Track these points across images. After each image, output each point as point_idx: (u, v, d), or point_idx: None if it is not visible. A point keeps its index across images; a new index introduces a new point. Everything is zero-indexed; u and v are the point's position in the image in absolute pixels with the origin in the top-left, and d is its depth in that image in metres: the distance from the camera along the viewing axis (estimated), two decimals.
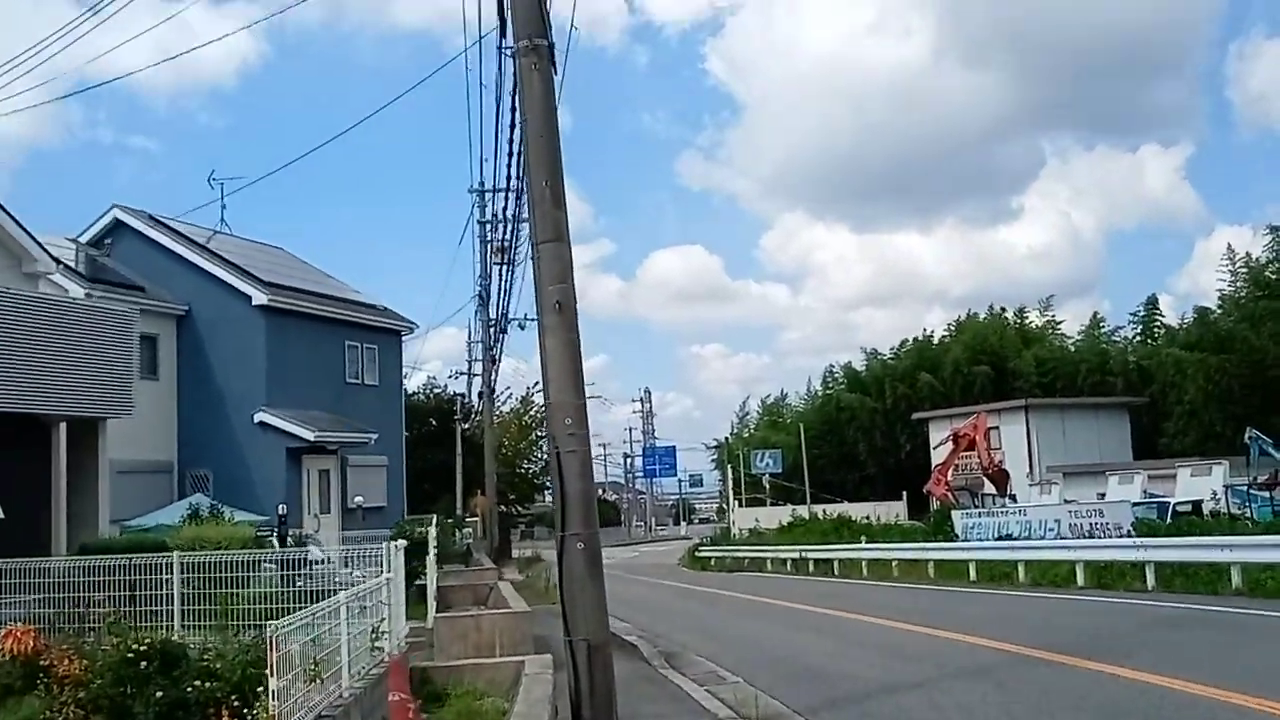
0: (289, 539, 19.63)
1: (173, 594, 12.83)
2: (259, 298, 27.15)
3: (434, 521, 33.01)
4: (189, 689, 8.45)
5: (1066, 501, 36.25)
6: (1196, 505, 29.68)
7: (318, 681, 6.85)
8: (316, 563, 20.62)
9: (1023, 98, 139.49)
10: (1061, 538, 29.53)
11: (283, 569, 14.67)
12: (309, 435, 26.39)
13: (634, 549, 75.33)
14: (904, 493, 58.67)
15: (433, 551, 16.43)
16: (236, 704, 7.74)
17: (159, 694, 8.57)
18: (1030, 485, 40.88)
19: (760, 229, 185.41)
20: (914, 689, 10.87)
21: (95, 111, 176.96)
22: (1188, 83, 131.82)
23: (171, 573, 13.01)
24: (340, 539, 25.11)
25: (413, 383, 54.22)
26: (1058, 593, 19.85)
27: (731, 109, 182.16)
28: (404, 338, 32.72)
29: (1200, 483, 31.34)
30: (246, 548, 15.78)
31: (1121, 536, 27.12)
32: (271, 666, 5.89)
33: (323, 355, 29.03)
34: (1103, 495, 38.30)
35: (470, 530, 41.09)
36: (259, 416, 26.75)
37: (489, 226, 37.65)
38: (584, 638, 9.09)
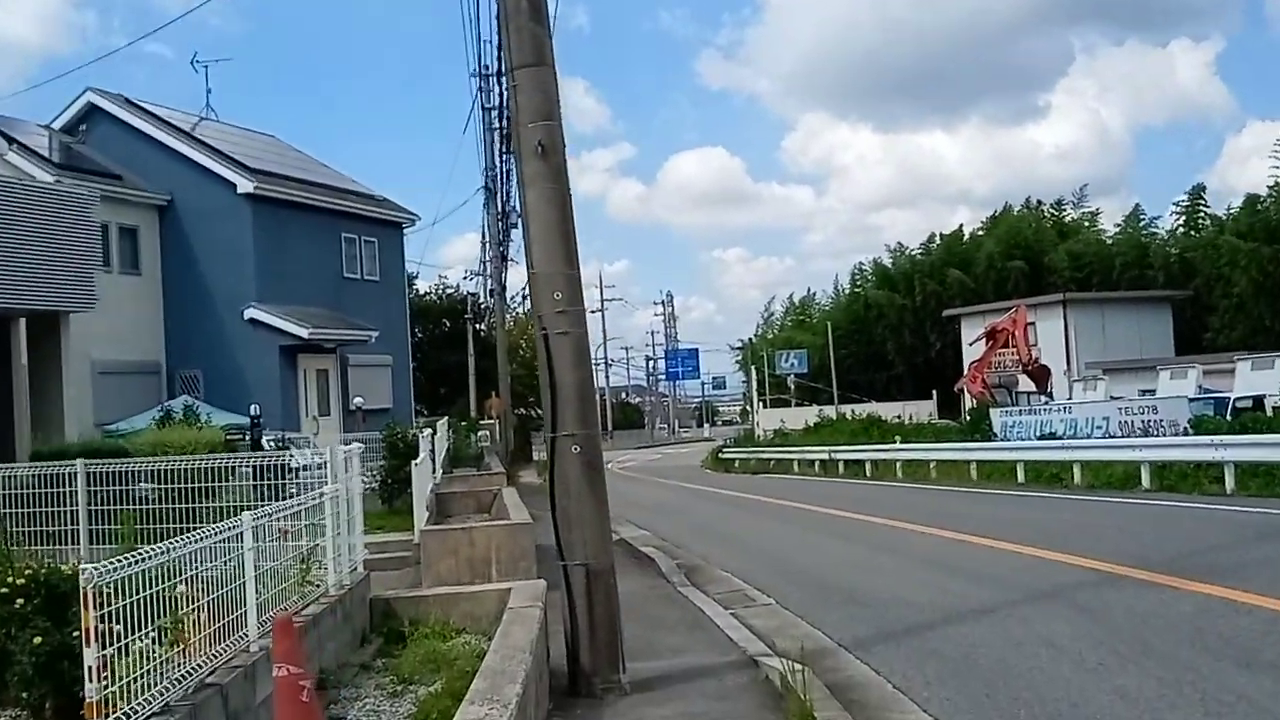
0: (272, 443, 17.89)
1: (78, 510, 11.06)
2: (245, 185, 25.09)
3: (444, 423, 31.39)
4: (76, 634, 6.45)
5: (1113, 398, 34.27)
6: (1258, 401, 27.57)
7: (187, 643, 5.00)
8: (304, 468, 18.98)
9: None
10: (1111, 436, 27.63)
11: (259, 477, 12.90)
12: (303, 332, 24.58)
13: (657, 451, 74.09)
14: (934, 392, 56.87)
15: (426, 455, 14.68)
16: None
17: (37, 640, 6.62)
18: (1073, 382, 38.85)
19: (782, 130, 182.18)
20: (982, 617, 9.04)
21: (109, 18, 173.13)
22: None
23: (76, 484, 11.22)
24: (341, 442, 23.49)
25: (424, 283, 52.41)
26: (1122, 497, 17.95)
27: (752, 6, 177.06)
28: (406, 230, 30.68)
29: (1262, 377, 29.21)
30: (215, 453, 14.06)
31: (1180, 434, 25.22)
32: (86, 631, 4.05)
33: (318, 248, 27.07)
34: (1150, 391, 36.34)
35: (486, 433, 39.60)
36: (249, 313, 24.93)
37: (494, 113, 35.37)
38: (581, 562, 7.29)
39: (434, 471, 18.42)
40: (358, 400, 23.67)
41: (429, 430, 17.45)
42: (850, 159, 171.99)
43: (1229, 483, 16.71)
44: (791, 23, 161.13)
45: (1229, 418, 27.06)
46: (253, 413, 18.52)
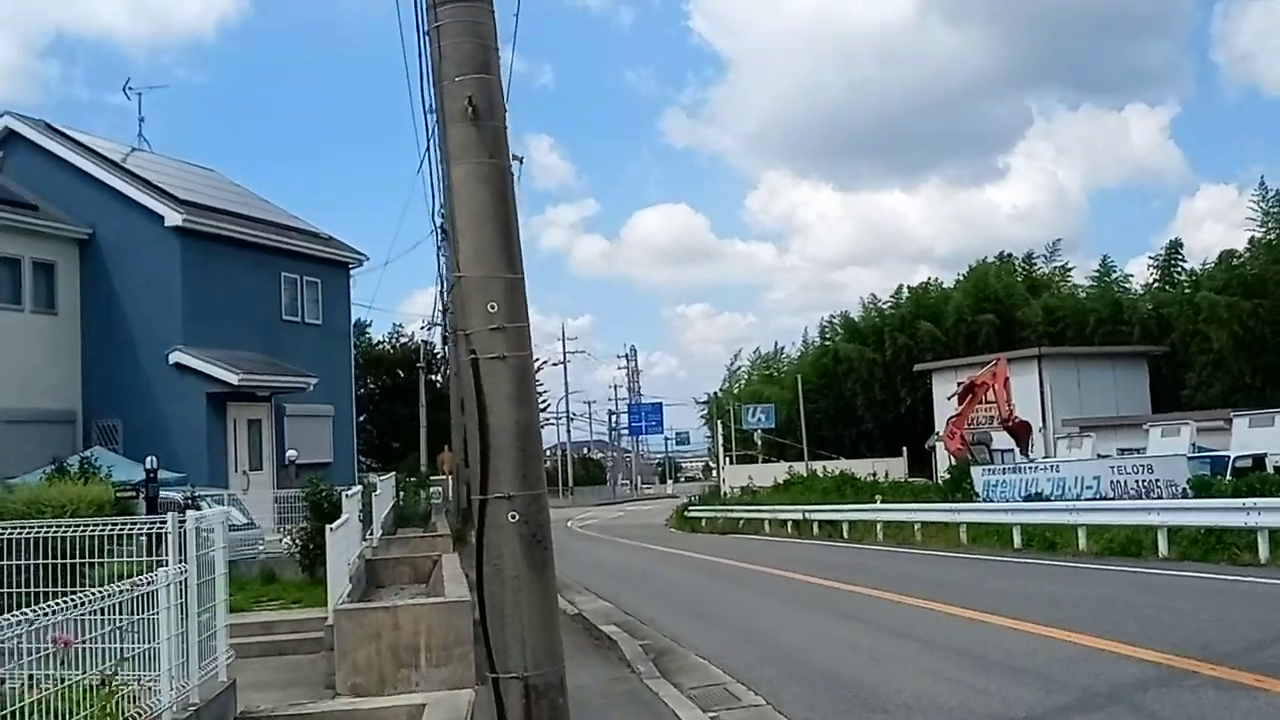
0: (185, 501, 15.68)
1: None
2: (173, 218, 23.01)
3: (390, 479, 29.09)
4: None
5: (1101, 456, 32.61)
6: (1258, 460, 25.93)
7: None
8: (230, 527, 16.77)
9: (1008, 56, 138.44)
10: (1103, 497, 25.92)
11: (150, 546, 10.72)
12: (232, 378, 22.41)
13: (619, 508, 71.72)
14: (904, 449, 55.21)
15: (353, 517, 12.59)
16: None
17: None
18: (1057, 439, 37.19)
19: (745, 187, 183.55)
20: None
21: (71, 69, 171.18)
22: (1174, 42, 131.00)
23: None
24: (274, 499, 21.33)
25: (378, 332, 50.33)
26: (1138, 565, 16.06)
27: (715, 66, 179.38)
28: (354, 271, 28.59)
29: (1261, 435, 27.59)
30: (102, 513, 11.93)
31: (1178, 495, 23.49)
32: None
33: (253, 288, 24.97)
34: (1133, 450, 34.74)
35: (439, 490, 37.34)
36: (174, 357, 22.76)
37: None
38: (519, 675, 5.25)
39: (368, 534, 16.27)
40: (291, 453, 21.44)
41: (358, 488, 15.33)
42: (812, 217, 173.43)
43: (1262, 550, 14.87)
44: (755, 82, 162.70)
45: (1229, 478, 25.43)
46: (148, 465, 16.27)
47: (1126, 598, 12.68)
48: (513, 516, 5.24)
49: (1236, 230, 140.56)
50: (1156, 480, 25.50)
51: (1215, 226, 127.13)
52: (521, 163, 34.79)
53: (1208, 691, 7.72)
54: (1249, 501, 15.59)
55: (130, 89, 29.01)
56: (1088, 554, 18.13)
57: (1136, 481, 26.11)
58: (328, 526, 10.63)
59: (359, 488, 15.31)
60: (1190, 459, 26.13)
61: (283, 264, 25.81)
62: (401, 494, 31.68)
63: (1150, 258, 58.85)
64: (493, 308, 5.29)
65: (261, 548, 18.31)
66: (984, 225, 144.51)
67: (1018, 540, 20.34)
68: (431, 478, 40.14)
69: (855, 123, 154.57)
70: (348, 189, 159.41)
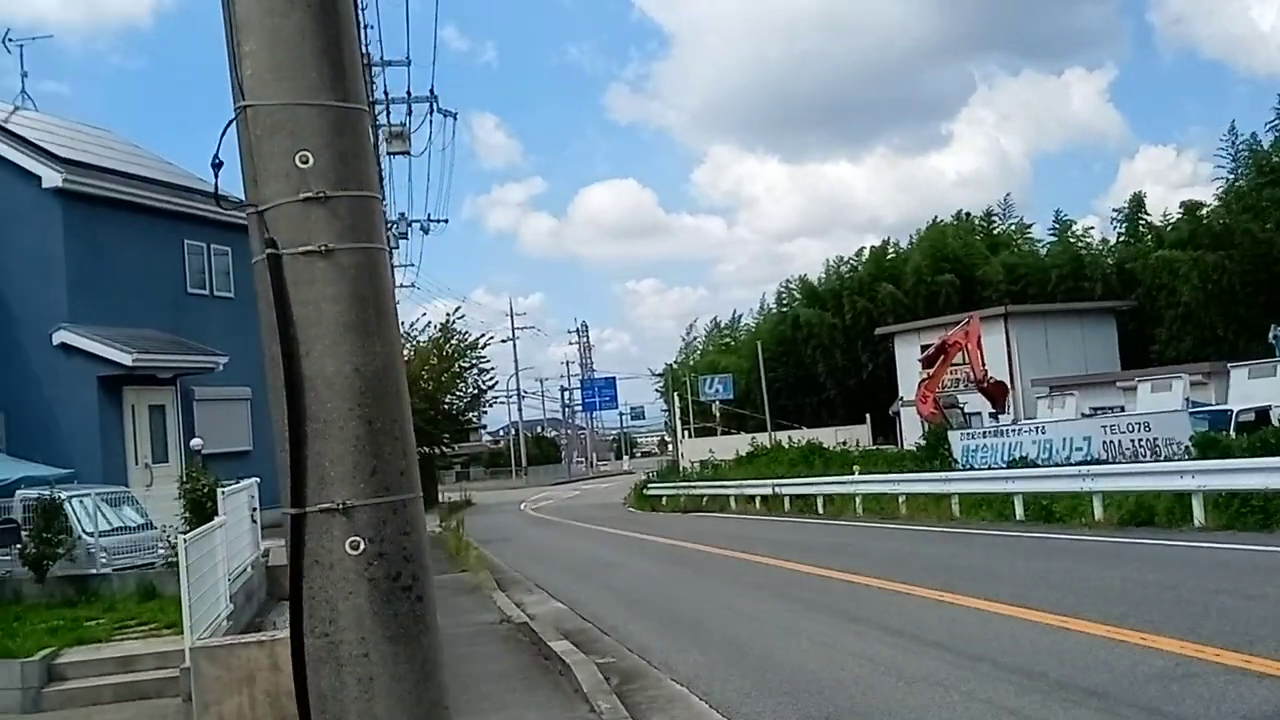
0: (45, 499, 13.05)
1: None
2: (52, 179, 20.08)
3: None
4: None
5: (1086, 414, 30.70)
6: (1262, 413, 24.05)
7: None
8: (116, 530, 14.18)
9: (949, 23, 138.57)
10: (1095, 458, 23.93)
11: None
12: (125, 359, 19.62)
13: (574, 487, 69.40)
14: (867, 416, 53.30)
15: (235, 518, 10.10)
16: None
17: None
18: (1038, 399, 35.22)
19: (692, 162, 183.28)
20: None
21: (2, 59, 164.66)
22: (1111, 6, 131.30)
23: None
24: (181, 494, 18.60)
25: None
26: (1176, 538, 13.90)
27: (658, 40, 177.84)
28: None
29: (1262, 386, 25.74)
30: None
31: (1182, 454, 21.55)
32: None
33: (153, 258, 22.14)
34: (1109, 409, 32.94)
35: None
36: (59, 336, 19.92)
37: (378, 108, 30.84)
38: None
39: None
40: (196, 441, 18.65)
41: (253, 480, 12.76)
42: (760, 189, 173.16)
43: None
44: (698, 56, 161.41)
45: (1232, 433, 23.53)
46: None
47: (1195, 584, 10.44)
48: (354, 545, 2.79)
49: (1176, 190, 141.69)
50: (1155, 439, 23.51)
51: (1155, 188, 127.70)
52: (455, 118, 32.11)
53: None
54: None
55: (9, 40, 25.63)
56: (1105, 525, 16.00)
57: (1132, 441, 24.13)
58: (181, 537, 8.08)
59: (248, 482, 12.73)
60: (1191, 414, 24.22)
61: (186, 230, 22.92)
62: None
63: (1114, 210, 57.26)
64: (305, 160, 2.82)
65: (163, 553, 15.70)
66: (930, 192, 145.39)
67: (1020, 511, 18.17)
68: None
69: (800, 94, 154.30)
70: None
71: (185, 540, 8.00)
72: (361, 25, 22.33)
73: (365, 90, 2.93)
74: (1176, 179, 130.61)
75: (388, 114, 30.70)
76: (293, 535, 2.82)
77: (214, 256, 23.64)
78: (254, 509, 12.39)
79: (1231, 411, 24.47)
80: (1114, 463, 21.75)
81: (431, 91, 30.68)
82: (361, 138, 2.93)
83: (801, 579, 13.78)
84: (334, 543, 2.79)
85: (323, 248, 2.79)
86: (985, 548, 15.30)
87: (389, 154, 30.54)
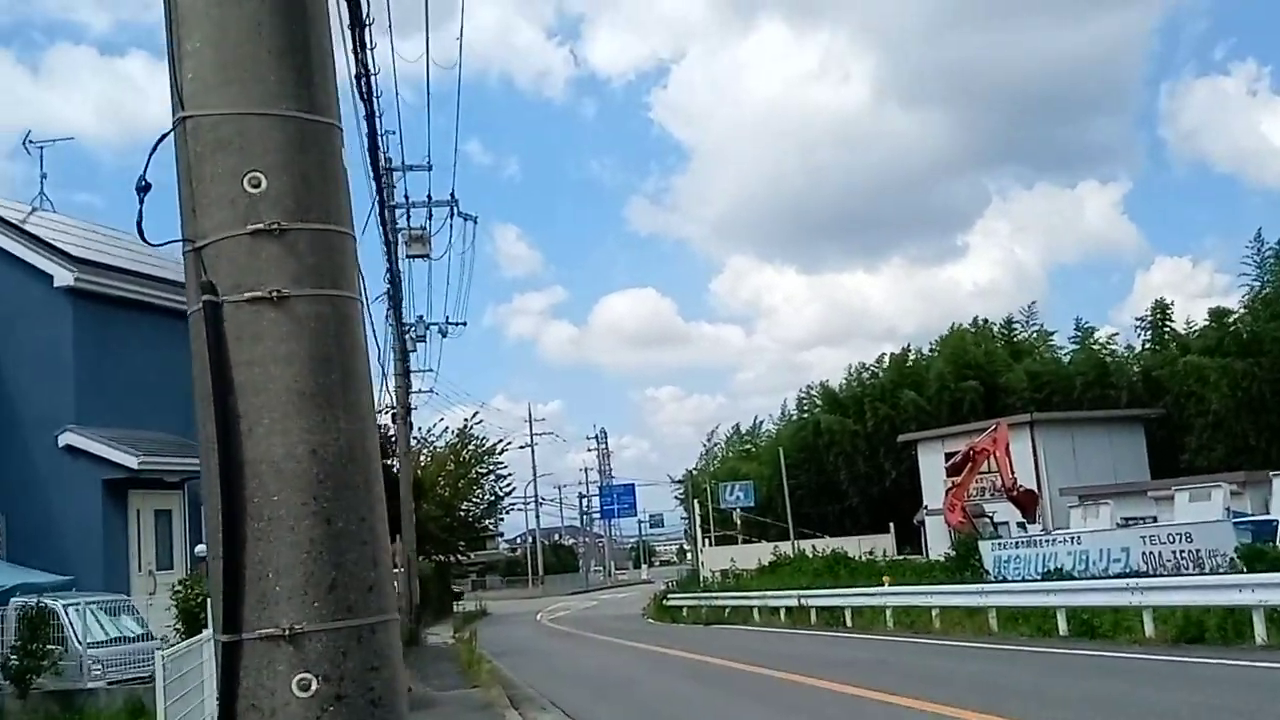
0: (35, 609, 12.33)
1: None
2: (64, 278, 19.83)
3: None
4: None
5: (1121, 524, 29.66)
6: None
7: None
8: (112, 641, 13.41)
9: (964, 137, 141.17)
10: (1134, 570, 22.92)
11: None
12: (131, 461, 19.04)
13: (592, 597, 67.88)
14: (891, 525, 52.03)
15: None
16: None
17: None
18: (1070, 508, 34.12)
19: (710, 272, 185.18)
20: None
21: (34, 169, 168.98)
22: (1123, 121, 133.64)
23: None
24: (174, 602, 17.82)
25: None
26: (1239, 657, 12.92)
27: (677, 155, 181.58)
28: None
29: None
30: None
31: (1228, 566, 20.56)
32: None
33: (162, 358, 21.52)
34: (1141, 519, 31.88)
35: (396, 584, 33.77)
36: (65, 439, 19.39)
37: (397, 211, 30.81)
38: None
39: None
40: (201, 548, 17.95)
41: None
42: (778, 299, 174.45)
43: None
44: (716, 170, 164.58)
45: (1276, 544, 22.52)
46: None
47: (1273, 710, 9.52)
48: (304, 685, 2.11)
49: (1193, 300, 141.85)
50: (1197, 550, 22.61)
51: (1172, 298, 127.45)
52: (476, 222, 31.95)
53: None
54: None
55: (30, 142, 25.69)
56: (1158, 641, 14.98)
57: (1174, 553, 23.20)
58: (159, 653, 7.36)
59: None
60: (1235, 525, 23.24)
61: None
62: None
63: (1136, 319, 56.57)
64: (256, 183, 2.23)
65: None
66: (946, 302, 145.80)
67: (1063, 625, 17.15)
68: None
69: (817, 207, 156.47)
70: None
71: (165, 656, 7.27)
72: (380, 132, 22.18)
73: (338, 104, 2.36)
74: (1193, 289, 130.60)
75: (408, 217, 30.63)
76: (223, 671, 2.15)
77: None
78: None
79: (1277, 522, 23.48)
80: (1155, 575, 20.80)
81: (452, 195, 30.59)
82: (330, 159, 2.33)
83: (837, 699, 12.81)
84: (277, 681, 2.11)
85: (274, 294, 2.18)
86: (1030, 665, 14.31)
87: (408, 257, 30.41)
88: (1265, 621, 13.49)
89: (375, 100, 18.98)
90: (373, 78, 17.32)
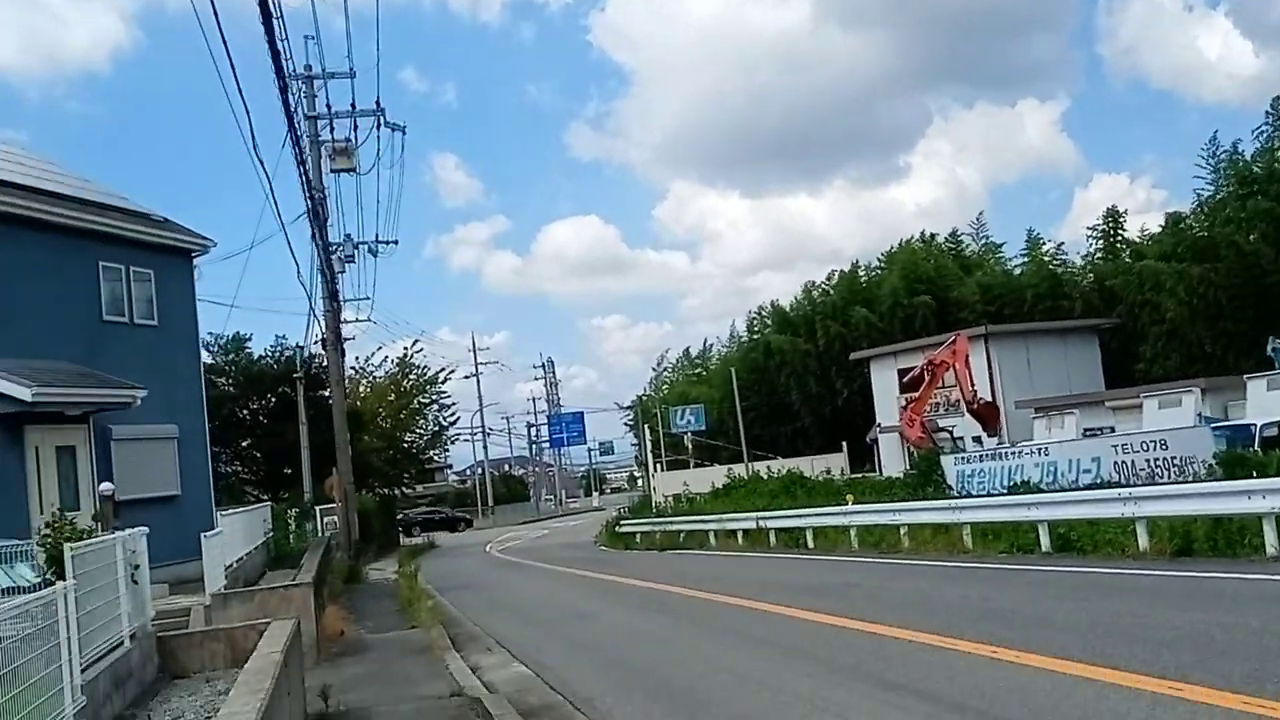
0: None
1: None
2: None
3: (259, 513, 24.14)
4: None
5: (1086, 433, 28.87)
6: None
7: None
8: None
9: (904, 57, 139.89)
10: (1105, 480, 22.06)
11: None
12: (24, 393, 17.16)
13: (543, 526, 66.82)
14: (844, 444, 51.32)
15: (100, 581, 7.80)
16: None
17: None
18: (1033, 419, 33.32)
19: (654, 197, 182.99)
20: None
21: None
22: (1061, 38, 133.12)
23: None
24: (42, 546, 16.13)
25: (258, 344, 44.92)
26: (1254, 571, 11.79)
27: (619, 79, 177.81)
28: (200, 260, 23.28)
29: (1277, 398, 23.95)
30: None
31: (1206, 473, 19.65)
32: None
33: (64, 282, 19.78)
34: (1105, 429, 31.10)
35: (335, 519, 32.21)
36: None
37: (319, 122, 28.71)
38: None
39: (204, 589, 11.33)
40: (105, 487, 16.18)
41: (126, 533, 10.41)
42: (722, 224, 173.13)
43: None
44: (657, 94, 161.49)
45: (1257, 449, 21.70)
46: None
47: None
48: None
49: (1133, 218, 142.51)
50: (1173, 458, 21.71)
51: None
52: (405, 132, 29.96)
53: None
54: None
55: None
56: (1152, 555, 13.86)
57: (1147, 461, 22.33)
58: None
59: (128, 533, 10.36)
60: (1213, 430, 22.36)
61: (102, 251, 20.55)
62: (271, 530, 26.56)
63: (1088, 228, 55.82)
64: None
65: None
66: (890, 223, 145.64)
67: (1045, 542, 16.03)
68: (320, 506, 34.97)
69: (759, 129, 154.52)
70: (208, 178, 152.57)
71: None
72: (283, 36, 20.00)
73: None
74: (1132, 205, 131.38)
75: (331, 129, 28.51)
76: None
77: (134, 280, 21.26)
78: (134, 567, 10.06)
79: (1255, 426, 22.65)
80: (1130, 485, 19.82)
81: (377, 103, 28.48)
82: None
83: (812, 630, 11.54)
84: None
85: None
86: (1022, 586, 13.12)
87: (333, 171, 28.34)
88: (1276, 530, 12.34)
89: None
90: None
